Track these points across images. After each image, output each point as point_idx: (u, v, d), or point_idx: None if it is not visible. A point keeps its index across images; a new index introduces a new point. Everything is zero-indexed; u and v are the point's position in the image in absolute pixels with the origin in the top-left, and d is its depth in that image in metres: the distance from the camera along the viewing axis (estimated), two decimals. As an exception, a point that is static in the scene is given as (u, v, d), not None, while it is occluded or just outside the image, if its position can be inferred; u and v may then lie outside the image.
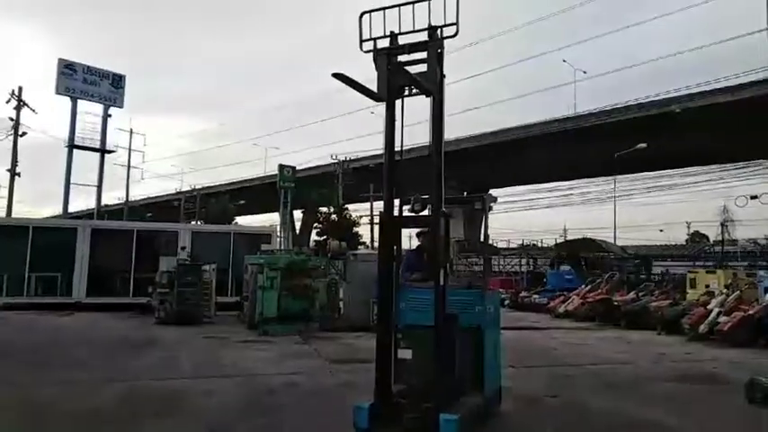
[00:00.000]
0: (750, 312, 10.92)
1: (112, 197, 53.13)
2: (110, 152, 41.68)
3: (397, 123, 4.72)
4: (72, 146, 38.93)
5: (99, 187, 40.58)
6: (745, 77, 28.48)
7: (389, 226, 4.80)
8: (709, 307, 11.85)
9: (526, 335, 12.13)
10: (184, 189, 54.70)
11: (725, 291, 12.96)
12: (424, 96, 4.73)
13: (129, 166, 44.62)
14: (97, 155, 40.52)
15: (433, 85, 4.63)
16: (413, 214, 5.08)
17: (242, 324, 12.71)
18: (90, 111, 40.31)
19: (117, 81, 41.50)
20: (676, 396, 6.15)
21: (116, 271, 16.77)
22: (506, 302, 20.07)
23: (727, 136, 29.97)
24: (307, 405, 5.29)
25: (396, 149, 4.75)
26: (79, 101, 39.50)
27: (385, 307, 4.66)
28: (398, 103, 4.72)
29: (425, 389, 4.53)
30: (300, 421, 4.72)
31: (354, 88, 4.57)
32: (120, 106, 41.66)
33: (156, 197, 60.82)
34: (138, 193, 58.96)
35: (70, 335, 10.70)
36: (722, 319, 11.07)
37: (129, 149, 44.51)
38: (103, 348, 8.81)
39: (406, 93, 4.78)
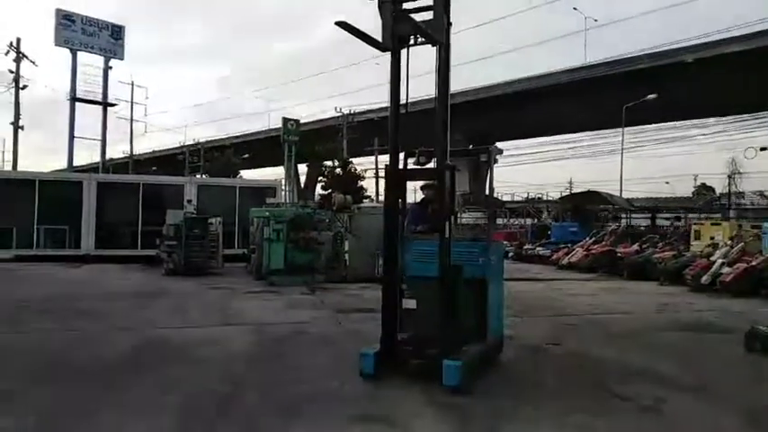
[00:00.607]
0: (753, 264, 10.96)
1: (117, 151, 52.99)
2: (112, 105, 41.29)
3: (403, 75, 4.66)
4: (74, 99, 38.55)
5: (103, 141, 40.47)
6: (760, 25, 27.61)
7: (395, 179, 4.81)
8: (712, 258, 11.90)
9: (530, 286, 12.27)
10: (188, 143, 54.40)
11: (729, 242, 12.99)
12: (429, 46, 4.62)
13: (131, 119, 44.35)
14: (100, 109, 40.16)
15: (438, 34, 4.51)
16: (418, 167, 5.07)
17: (249, 275, 12.91)
18: (90, 63, 39.71)
19: (116, 32, 40.64)
20: (676, 345, 6.25)
21: (123, 224, 16.95)
22: (510, 255, 20.20)
23: (739, 86, 29.30)
24: (314, 352, 5.42)
25: (401, 102, 4.69)
26: (79, 53, 38.83)
27: (391, 258, 4.73)
28: (404, 53, 4.64)
29: (429, 337, 4.64)
30: (308, 368, 4.85)
31: (358, 37, 4.46)
32: (121, 58, 40.97)
33: (160, 151, 60.64)
34: (143, 147, 58.78)
35: (81, 286, 10.91)
36: (725, 270, 11.13)
37: (132, 102, 44.13)
38: (114, 299, 8.99)
39: (412, 42, 4.65)
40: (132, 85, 44.26)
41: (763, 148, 33.41)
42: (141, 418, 3.54)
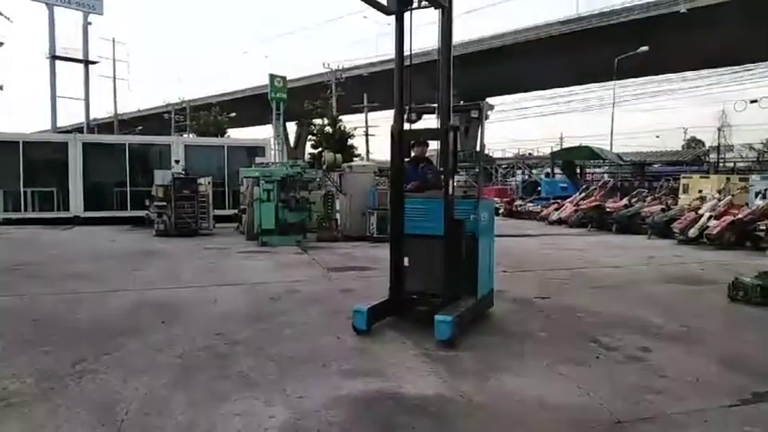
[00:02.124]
0: (739, 216, 11.13)
1: (102, 112, 51.91)
2: (93, 63, 40.16)
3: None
4: (54, 57, 37.45)
5: (86, 100, 39.54)
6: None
7: (401, 138, 4.84)
8: (700, 212, 12.06)
9: (520, 241, 12.41)
10: (173, 101, 53.34)
11: (717, 195, 13.13)
12: (432, 9, 4.66)
13: (114, 77, 43.20)
14: (81, 68, 39.05)
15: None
16: (423, 127, 5.12)
17: (241, 236, 12.94)
18: (70, 19, 38.40)
19: (94, -14, 39.12)
20: (662, 296, 6.40)
21: (111, 185, 16.80)
22: (501, 211, 20.33)
23: (735, 37, 28.93)
24: (307, 310, 5.49)
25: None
26: (56, 8, 37.45)
27: (397, 216, 4.85)
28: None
29: (422, 293, 4.75)
30: (301, 325, 4.92)
31: (363, 0, 4.42)
32: (100, 13, 39.59)
33: (146, 110, 59.51)
34: (127, 106, 57.61)
35: (72, 248, 10.89)
36: (712, 223, 11.30)
37: (114, 59, 42.88)
38: (106, 261, 9.00)
39: (416, 5, 4.69)
40: (114, 41, 42.94)
41: (753, 101, 33.36)
42: (140, 377, 3.60)
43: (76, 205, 16.29)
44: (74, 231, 14.38)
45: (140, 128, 49.19)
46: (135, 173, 16.62)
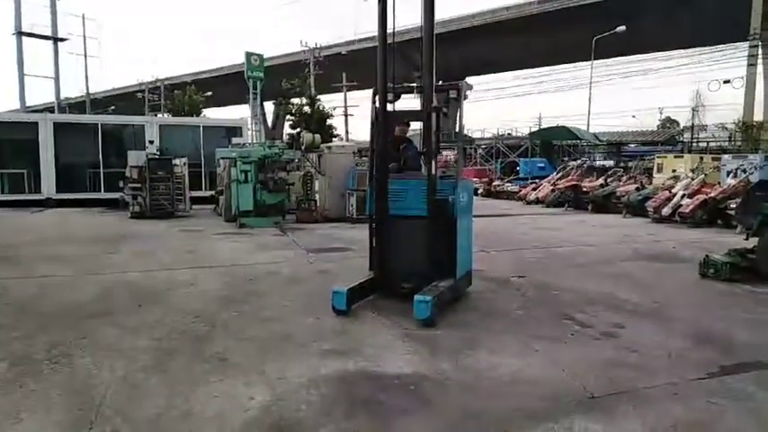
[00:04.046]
0: (711, 195, 11.38)
1: (74, 91, 50.45)
2: (62, 40, 38.81)
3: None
4: (20, 33, 36.09)
5: (56, 79, 38.31)
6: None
7: (384, 120, 4.81)
8: (674, 191, 12.30)
9: (498, 221, 12.53)
10: (147, 81, 52.13)
11: (690, 175, 13.40)
12: None
13: (85, 55, 41.96)
14: (50, 45, 37.75)
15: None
16: (406, 109, 5.11)
17: (218, 217, 12.81)
18: None
19: (61, -42, 37.63)
20: (636, 273, 6.55)
21: (84, 166, 16.42)
22: (480, 192, 20.46)
23: (711, 17, 29.27)
24: (286, 291, 5.49)
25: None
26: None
27: (381, 197, 4.85)
28: None
29: (403, 274, 4.78)
30: (281, 306, 4.92)
31: None
32: (68, -12, 38.18)
33: (119, 89, 58.12)
34: (100, 85, 56.15)
35: (45, 231, 10.65)
36: (685, 201, 11.54)
37: (84, 36, 41.60)
38: (81, 243, 8.83)
39: None
40: (83, 17, 41.60)
41: (726, 81, 33.86)
42: (117, 359, 3.57)
43: (48, 187, 15.91)
44: (46, 214, 14.07)
45: (113, 107, 48.08)
46: (108, 154, 16.27)
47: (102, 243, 8.85)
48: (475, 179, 21.94)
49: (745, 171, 13.66)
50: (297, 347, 3.84)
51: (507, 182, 22.04)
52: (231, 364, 3.53)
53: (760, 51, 23.90)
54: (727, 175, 14.29)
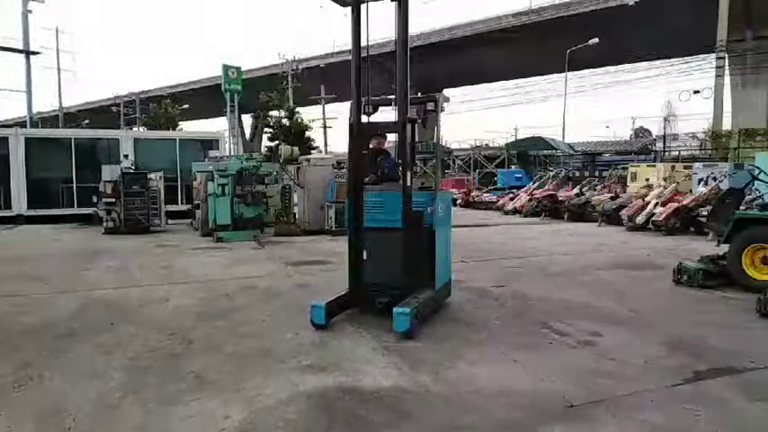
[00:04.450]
0: (684, 203, 11.62)
1: (47, 105, 49.66)
2: (35, 53, 38.15)
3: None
4: (-9, 47, 35.43)
5: (28, 93, 37.56)
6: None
7: (359, 132, 4.82)
8: (647, 199, 12.54)
9: (476, 231, 12.61)
10: (122, 94, 51.51)
11: (662, 183, 13.67)
12: (389, 1, 4.61)
13: (58, 68, 41.27)
14: (23, 59, 37.06)
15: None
16: (381, 120, 5.11)
17: (195, 232, 12.65)
18: (9, 8, 36.34)
19: (32, -29, 37.10)
20: (612, 281, 6.63)
21: (57, 181, 16.08)
22: (459, 202, 20.59)
23: (680, 29, 30.11)
24: (264, 306, 5.42)
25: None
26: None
27: (356, 209, 4.84)
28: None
29: (381, 286, 4.76)
30: (259, 322, 4.86)
31: None
32: (41, 1, 37.65)
33: (93, 102, 57.30)
34: (74, 99, 55.32)
35: (17, 249, 10.39)
36: (658, 210, 11.76)
37: (57, 49, 40.96)
38: (53, 261, 8.63)
39: None
40: (57, 31, 41.00)
41: (696, 91, 34.78)
42: (89, 380, 3.48)
43: (19, 203, 15.53)
44: (17, 231, 13.73)
45: (87, 121, 47.36)
46: (82, 168, 15.97)
47: (75, 260, 8.66)
48: (454, 190, 22.09)
49: (715, 179, 13.98)
50: (275, 363, 3.79)
51: (485, 192, 22.22)
52: (207, 382, 3.46)
53: (726, 63, 24.63)
54: (699, 183, 14.61)
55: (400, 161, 4.77)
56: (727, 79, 26.23)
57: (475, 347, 4.12)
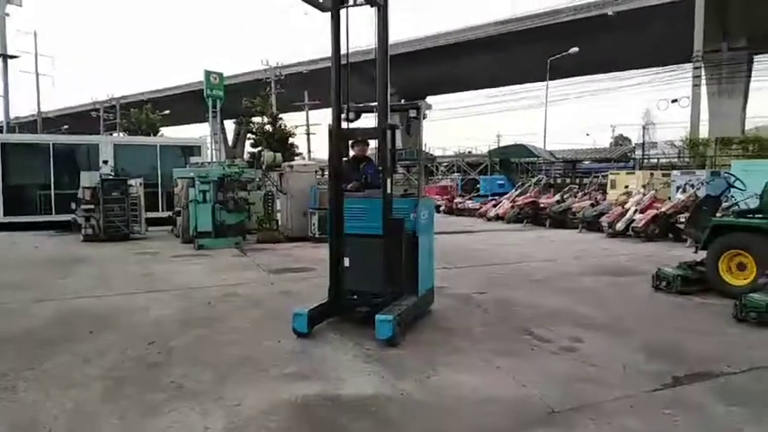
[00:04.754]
0: (662, 210, 11.80)
1: (25, 110, 48.83)
2: (12, 57, 37.51)
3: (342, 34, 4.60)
4: (-33, 50, 34.75)
5: (5, 97, 36.89)
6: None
7: (339, 138, 4.81)
8: (626, 206, 12.70)
9: (459, 238, 12.66)
10: (102, 99, 50.90)
11: (641, 190, 13.87)
12: (369, 7, 4.61)
13: (36, 73, 40.64)
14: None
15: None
16: (361, 127, 5.10)
17: (176, 239, 12.49)
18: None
19: (11, -26, 36.55)
20: (592, 287, 6.71)
21: (35, 187, 15.75)
22: (442, 209, 20.65)
23: (659, 39, 30.71)
24: (246, 314, 5.38)
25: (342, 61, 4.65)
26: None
27: (337, 216, 4.81)
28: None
29: (364, 292, 4.74)
30: (240, 330, 4.81)
31: None
32: (19, 4, 37.07)
33: (73, 108, 56.52)
34: (53, 104, 54.51)
35: (-10, 256, 10.16)
36: (637, 216, 11.93)
37: (36, 53, 40.35)
38: (31, 268, 8.46)
39: (351, 2, 4.66)
40: (35, 35, 40.41)
41: (673, 100, 35.43)
42: (66, 391, 3.41)
43: (-5, 210, 15.20)
44: (-8, 238, 13.44)
45: (66, 127, 46.67)
46: (60, 174, 15.68)
47: (53, 268, 8.49)
48: (437, 196, 22.15)
49: (693, 186, 14.22)
50: (256, 372, 3.76)
51: (468, 199, 22.32)
52: (187, 391, 3.42)
53: (703, 72, 25.15)
54: (677, 191, 14.85)
55: (380, 167, 4.77)
56: (703, 89, 26.78)
57: (458, 354, 4.12)
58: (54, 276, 7.69)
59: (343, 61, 4.71)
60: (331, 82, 4.74)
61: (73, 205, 12.91)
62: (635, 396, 3.33)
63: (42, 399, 3.31)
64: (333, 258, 4.87)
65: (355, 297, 4.79)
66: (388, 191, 4.60)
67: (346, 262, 4.81)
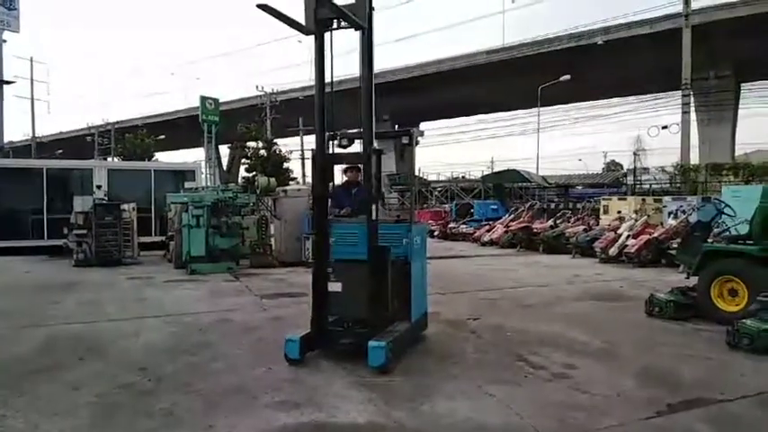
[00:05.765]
0: (655, 235, 11.87)
1: (19, 134, 48.92)
2: (8, 83, 37.78)
3: (327, 57, 4.62)
4: (-37, 75, 34.96)
5: (0, 123, 37.04)
6: (663, 10, 29.58)
7: (323, 163, 4.81)
8: (619, 231, 12.77)
9: (453, 263, 12.66)
10: (96, 123, 51.07)
11: (634, 216, 13.97)
12: (353, 30, 4.63)
13: (32, 98, 40.93)
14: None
15: (361, 19, 4.53)
16: (345, 152, 5.11)
17: (168, 264, 12.42)
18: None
19: (9, 1, 37.03)
20: (585, 313, 6.71)
21: (27, 212, 15.69)
22: (436, 233, 20.67)
23: (648, 67, 31.30)
24: (238, 340, 5.33)
25: (327, 84, 4.66)
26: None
27: (321, 242, 4.74)
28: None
29: (355, 319, 4.70)
30: (232, 357, 4.77)
31: (281, 20, 4.38)
32: (16, 30, 37.44)
33: (67, 132, 56.64)
34: (47, 129, 54.63)
35: (-20, 281, 10.05)
36: (630, 242, 11.99)
37: (32, 79, 40.65)
38: (22, 294, 8.38)
39: (335, 26, 4.66)
40: (32, 60, 40.77)
41: (664, 127, 35.93)
42: (53, 420, 3.36)
43: (-14, 234, 15.09)
44: (-17, 263, 13.31)
45: (60, 151, 46.71)
46: (53, 199, 15.65)
47: (44, 293, 8.41)
48: (431, 221, 22.20)
49: (684, 212, 14.34)
50: (248, 400, 3.72)
51: (462, 224, 22.36)
52: (177, 419, 3.37)
53: (692, 100, 25.60)
54: (669, 216, 14.96)
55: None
56: (693, 115, 27.23)
57: (451, 381, 4.10)
58: (45, 302, 7.62)
59: (328, 89, 4.64)
60: (315, 106, 4.66)
61: (65, 230, 12.85)
62: (628, 424, 3.32)
63: (31, 428, 3.25)
64: (316, 287, 4.67)
65: (341, 328, 4.64)
66: (374, 217, 4.55)
67: (337, 287, 4.75)
